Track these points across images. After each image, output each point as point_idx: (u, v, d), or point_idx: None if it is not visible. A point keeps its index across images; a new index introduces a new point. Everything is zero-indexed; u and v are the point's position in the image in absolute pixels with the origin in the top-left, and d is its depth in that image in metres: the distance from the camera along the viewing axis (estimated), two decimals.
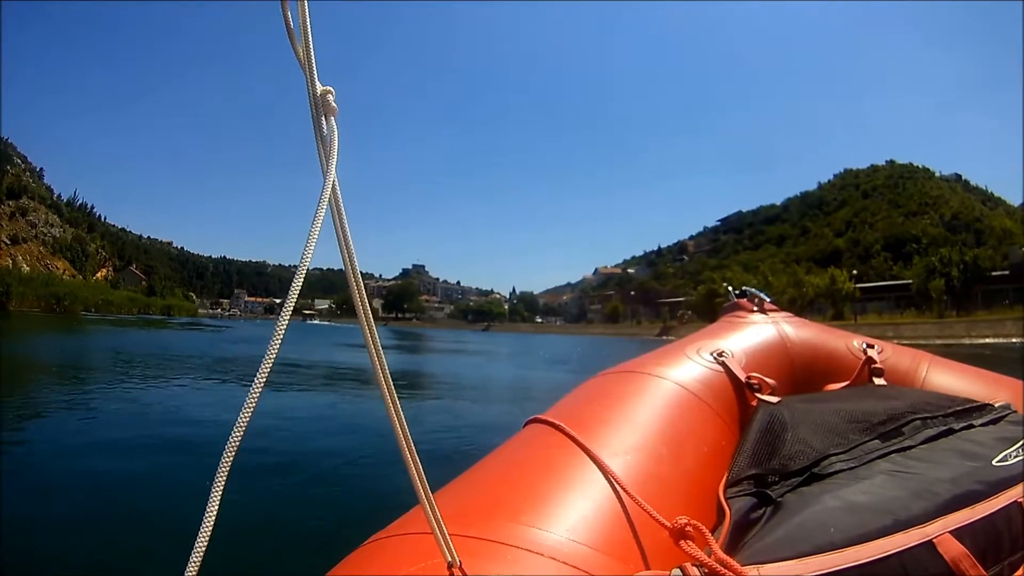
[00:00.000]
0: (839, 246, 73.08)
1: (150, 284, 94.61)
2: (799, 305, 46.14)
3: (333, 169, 0.38)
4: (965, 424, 0.80)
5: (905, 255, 60.78)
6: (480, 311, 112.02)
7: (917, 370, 1.18)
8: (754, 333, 1.23)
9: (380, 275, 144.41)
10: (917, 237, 64.12)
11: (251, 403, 0.33)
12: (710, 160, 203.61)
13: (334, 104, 0.38)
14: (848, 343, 1.24)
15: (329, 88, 0.38)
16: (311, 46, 0.37)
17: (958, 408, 0.85)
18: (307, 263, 0.35)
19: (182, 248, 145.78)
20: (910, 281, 47.16)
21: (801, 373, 1.19)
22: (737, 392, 1.00)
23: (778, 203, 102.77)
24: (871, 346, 1.22)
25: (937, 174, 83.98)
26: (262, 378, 0.33)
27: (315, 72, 0.37)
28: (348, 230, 0.40)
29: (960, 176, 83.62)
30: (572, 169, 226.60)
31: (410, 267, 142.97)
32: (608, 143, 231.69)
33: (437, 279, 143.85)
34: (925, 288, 42.57)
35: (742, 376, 1.02)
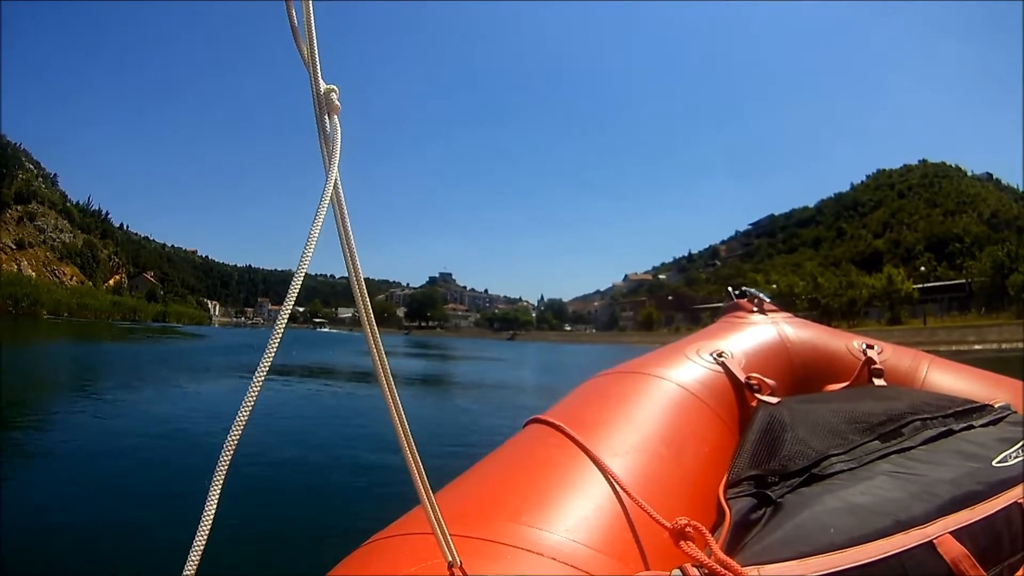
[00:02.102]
0: (879, 247, 71.22)
1: (150, 290, 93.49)
2: (857, 308, 43.75)
3: (335, 167, 0.38)
4: (965, 425, 0.80)
5: (949, 255, 58.31)
6: (506, 319, 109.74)
7: (917, 370, 1.18)
8: (754, 334, 1.23)
9: (407, 284, 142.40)
10: (960, 236, 61.10)
11: (249, 403, 0.32)
12: (737, 163, 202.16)
13: (337, 102, 0.39)
14: (848, 343, 1.24)
15: (333, 86, 0.39)
16: (315, 44, 0.37)
17: (958, 409, 0.85)
18: (307, 262, 0.35)
19: (207, 257, 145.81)
20: (963, 280, 43.78)
21: (801, 374, 1.19)
22: (737, 393, 1.00)
23: (811, 205, 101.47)
24: (871, 346, 1.22)
25: (969, 173, 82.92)
26: (260, 378, 0.33)
27: (319, 70, 0.38)
28: (350, 228, 0.40)
29: (991, 175, 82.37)
30: (599, 175, 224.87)
31: (436, 275, 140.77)
32: (633, 148, 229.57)
33: (464, 287, 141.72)
34: (994, 285, 38.18)
35: (742, 377, 1.02)
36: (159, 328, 47.16)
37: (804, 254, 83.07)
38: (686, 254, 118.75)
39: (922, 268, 47.23)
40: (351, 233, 0.40)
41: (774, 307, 1.37)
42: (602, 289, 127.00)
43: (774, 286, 48.42)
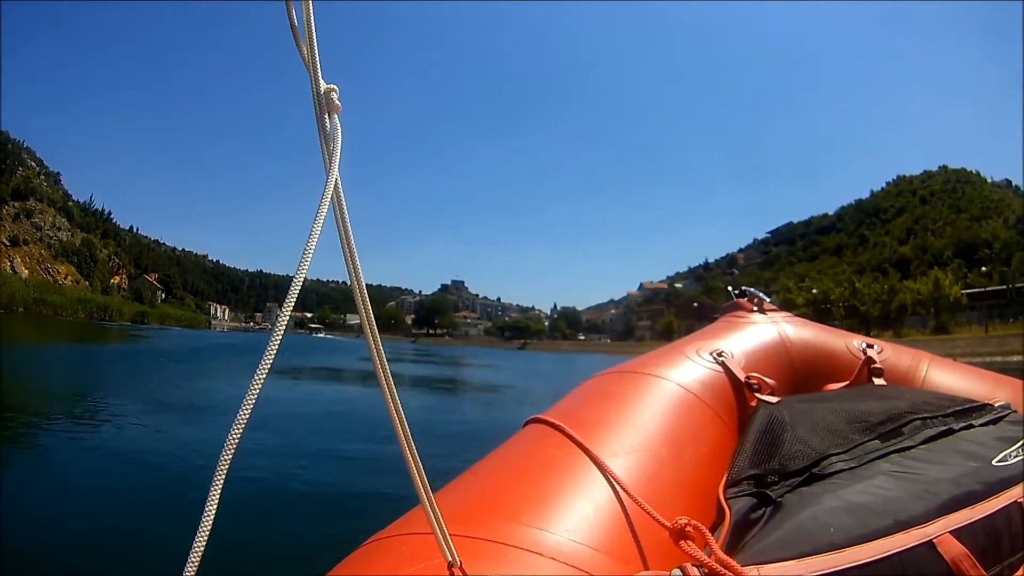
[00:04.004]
0: (905, 254, 69.97)
1: (137, 290, 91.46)
2: (905, 316, 41.31)
3: (336, 167, 0.38)
4: (965, 424, 0.80)
5: (978, 261, 56.66)
6: (517, 327, 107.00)
7: (917, 370, 1.18)
8: (754, 333, 1.23)
9: (420, 291, 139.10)
10: (988, 242, 59.68)
11: (248, 405, 0.32)
12: (752, 172, 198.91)
13: (337, 102, 0.39)
14: (848, 343, 1.24)
15: (333, 86, 0.39)
16: (315, 44, 0.37)
17: (958, 408, 0.85)
18: (308, 262, 0.35)
19: (217, 261, 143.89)
20: (1004, 287, 41.31)
21: (801, 373, 1.19)
22: (737, 392, 1.00)
23: (831, 212, 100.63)
24: (871, 346, 1.22)
25: (989, 179, 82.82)
26: (260, 379, 0.32)
27: (319, 70, 0.38)
28: (350, 229, 0.40)
29: (1010, 181, 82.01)
30: (613, 184, 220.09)
31: (449, 283, 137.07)
32: (648, 157, 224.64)
33: (476, 295, 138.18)
34: None
35: (742, 376, 1.02)
36: (115, 329, 43.19)
37: (826, 262, 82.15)
38: (703, 263, 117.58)
39: (982, 268, 45.20)
40: (351, 234, 0.40)
41: (774, 307, 1.37)
42: (616, 298, 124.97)
43: (813, 291, 46.82)
